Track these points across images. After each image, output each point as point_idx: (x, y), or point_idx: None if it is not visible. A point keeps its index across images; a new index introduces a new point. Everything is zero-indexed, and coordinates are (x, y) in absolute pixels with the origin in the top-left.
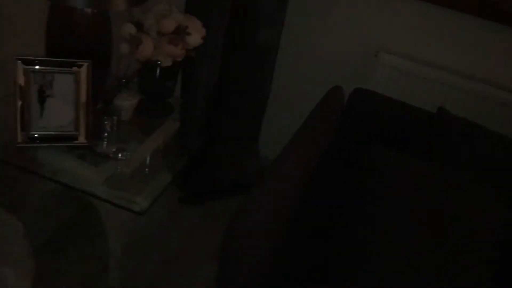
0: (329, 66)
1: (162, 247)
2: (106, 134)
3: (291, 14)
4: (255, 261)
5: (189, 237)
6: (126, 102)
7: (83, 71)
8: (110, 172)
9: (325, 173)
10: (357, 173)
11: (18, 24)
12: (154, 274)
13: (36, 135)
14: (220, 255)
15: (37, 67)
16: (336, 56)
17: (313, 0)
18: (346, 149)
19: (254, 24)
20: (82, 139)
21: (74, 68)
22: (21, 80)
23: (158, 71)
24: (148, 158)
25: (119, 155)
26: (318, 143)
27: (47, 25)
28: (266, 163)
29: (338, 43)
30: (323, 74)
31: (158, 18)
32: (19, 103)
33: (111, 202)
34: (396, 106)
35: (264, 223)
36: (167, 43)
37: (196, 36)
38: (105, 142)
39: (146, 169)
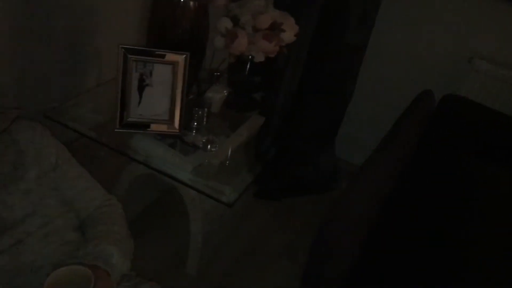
0: (417, 69)
1: (237, 240)
2: (195, 124)
3: (381, 14)
4: (343, 262)
5: (263, 232)
6: (217, 95)
7: (181, 63)
8: (198, 162)
9: (414, 178)
10: (451, 183)
11: (121, 15)
12: (229, 266)
13: (133, 121)
14: (309, 254)
15: (139, 56)
16: (426, 59)
17: (406, 1)
18: (435, 155)
19: (345, 24)
20: (174, 128)
21: (173, 59)
22: (123, 68)
23: (248, 66)
24: (230, 151)
25: (209, 146)
26: (407, 147)
27: (150, 17)
28: (341, 163)
29: (429, 45)
30: (410, 77)
31: (254, 14)
32: (120, 90)
33: (201, 191)
34: (490, 114)
35: (354, 226)
36: (261, 38)
37: (290, 33)
38: (194, 133)
39: (227, 162)
